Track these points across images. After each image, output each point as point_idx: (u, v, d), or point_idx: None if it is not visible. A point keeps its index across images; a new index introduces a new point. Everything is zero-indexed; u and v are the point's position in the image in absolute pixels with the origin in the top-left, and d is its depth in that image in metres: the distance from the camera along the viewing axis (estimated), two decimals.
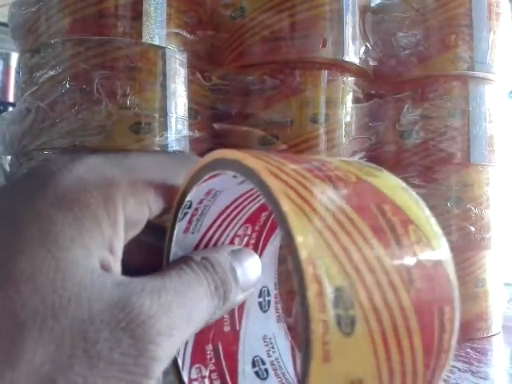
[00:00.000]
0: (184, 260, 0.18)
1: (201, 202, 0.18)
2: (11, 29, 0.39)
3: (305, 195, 0.14)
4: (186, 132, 0.36)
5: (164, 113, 0.35)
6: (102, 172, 0.17)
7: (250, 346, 0.21)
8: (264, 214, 0.20)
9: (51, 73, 0.35)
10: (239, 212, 0.19)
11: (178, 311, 0.16)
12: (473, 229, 0.43)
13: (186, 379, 0.19)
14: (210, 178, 0.17)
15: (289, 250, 0.13)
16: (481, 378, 0.34)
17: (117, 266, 0.16)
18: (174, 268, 0.18)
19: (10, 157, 0.38)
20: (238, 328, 0.21)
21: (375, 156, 0.43)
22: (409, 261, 0.14)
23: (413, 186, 0.43)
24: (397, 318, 0.13)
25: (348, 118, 0.40)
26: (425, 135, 0.43)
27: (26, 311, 0.14)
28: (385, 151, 0.44)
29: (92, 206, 0.16)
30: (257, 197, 0.19)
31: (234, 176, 0.16)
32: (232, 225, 0.20)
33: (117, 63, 0.34)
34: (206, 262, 0.18)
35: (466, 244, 0.43)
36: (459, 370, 0.35)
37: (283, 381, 0.21)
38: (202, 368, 0.19)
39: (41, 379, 0.13)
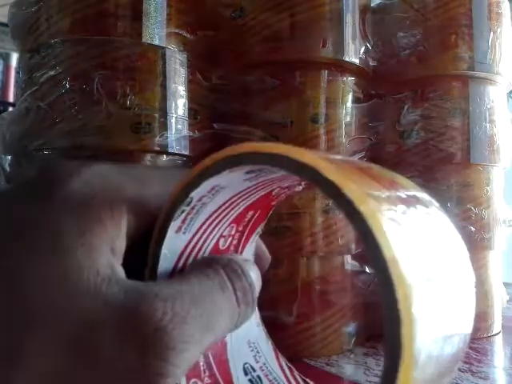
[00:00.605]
0: (207, 262, 0.17)
1: (200, 199, 0.17)
2: (11, 29, 0.39)
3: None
4: (186, 132, 0.36)
5: (164, 113, 0.35)
6: (109, 177, 0.16)
7: (238, 353, 0.20)
8: (250, 213, 0.20)
9: (51, 73, 0.35)
10: (230, 211, 0.19)
11: (195, 322, 0.15)
12: (473, 229, 0.43)
13: None
14: (228, 172, 0.16)
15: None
16: (481, 377, 0.34)
17: (119, 268, 0.16)
18: (193, 271, 0.17)
19: (9, 157, 0.38)
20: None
21: (375, 156, 0.43)
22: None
23: None
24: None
25: (348, 118, 0.40)
26: (425, 135, 0.43)
27: (31, 316, 0.14)
28: (385, 151, 0.44)
29: (97, 208, 0.15)
30: (251, 194, 0.19)
31: (248, 171, 0.16)
32: (220, 224, 0.19)
33: (117, 63, 0.34)
34: (234, 264, 0.17)
35: (466, 244, 0.42)
36: (459, 370, 0.35)
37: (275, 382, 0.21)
38: (199, 382, 0.19)
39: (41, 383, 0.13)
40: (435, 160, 0.43)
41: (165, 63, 0.36)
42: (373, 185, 0.15)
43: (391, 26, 0.44)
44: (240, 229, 0.20)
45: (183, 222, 0.17)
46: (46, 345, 0.13)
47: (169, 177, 0.18)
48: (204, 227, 0.18)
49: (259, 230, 0.21)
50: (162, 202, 0.17)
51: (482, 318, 0.43)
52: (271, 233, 0.37)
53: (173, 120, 0.35)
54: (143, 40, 0.35)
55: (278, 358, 0.22)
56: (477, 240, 0.43)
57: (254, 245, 0.21)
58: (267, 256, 0.22)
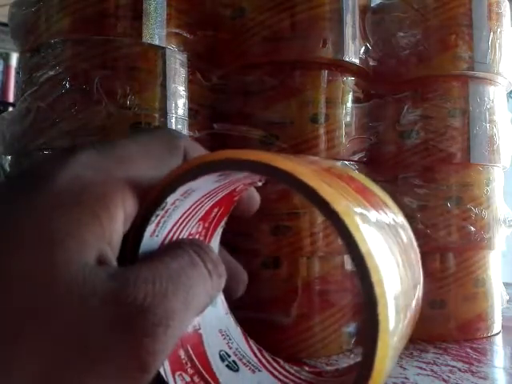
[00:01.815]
0: (174, 245, 0.18)
1: (174, 202, 0.18)
2: (11, 29, 0.39)
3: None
4: (186, 132, 0.36)
5: (164, 113, 0.35)
6: (97, 167, 0.16)
7: (212, 342, 0.21)
8: (215, 210, 0.21)
9: (51, 73, 0.35)
10: (198, 210, 0.19)
11: (175, 298, 0.15)
12: (473, 229, 0.43)
13: None
14: (204, 177, 0.17)
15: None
16: (481, 377, 0.34)
17: (111, 257, 0.16)
18: (166, 253, 0.17)
19: (9, 157, 0.38)
20: (198, 327, 0.21)
21: (375, 156, 0.43)
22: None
23: (413, 186, 0.43)
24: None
25: (348, 118, 0.40)
26: (425, 135, 0.43)
27: (19, 315, 0.13)
28: (385, 151, 0.44)
29: (90, 203, 0.15)
30: (218, 193, 0.19)
31: (220, 174, 0.17)
32: (189, 224, 0.19)
33: (117, 63, 0.34)
34: (198, 242, 0.18)
35: (466, 244, 0.43)
36: (459, 370, 0.35)
37: (252, 368, 0.22)
38: (184, 374, 0.19)
39: None
40: (435, 160, 0.43)
41: (165, 63, 0.36)
42: (344, 187, 0.17)
43: (391, 26, 0.44)
44: (206, 225, 0.21)
45: (157, 225, 0.18)
46: (36, 344, 0.13)
47: (151, 153, 0.18)
48: (174, 229, 0.19)
49: (223, 223, 0.22)
50: (150, 181, 0.17)
51: (482, 317, 0.43)
52: (271, 233, 0.37)
53: (173, 120, 0.35)
54: (143, 40, 0.35)
55: (247, 341, 0.23)
56: (477, 240, 0.43)
57: (218, 238, 0.22)
58: (241, 270, 0.23)
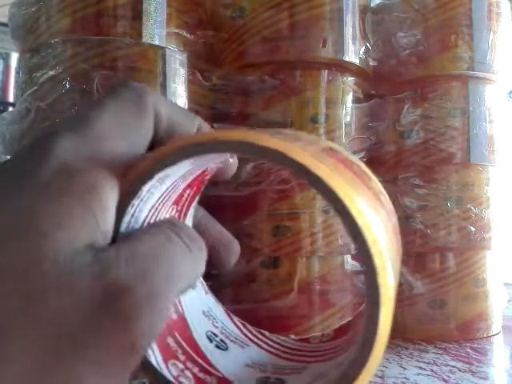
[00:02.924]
0: (149, 226, 0.18)
1: (149, 189, 0.17)
2: (11, 29, 0.39)
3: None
4: None
5: None
6: (80, 151, 0.16)
7: (198, 325, 0.21)
8: (187, 192, 0.20)
9: (51, 73, 0.34)
10: (171, 194, 0.19)
11: (156, 275, 0.15)
12: (473, 229, 0.43)
13: (171, 378, 0.18)
14: (184, 161, 0.16)
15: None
16: (481, 377, 0.34)
17: (102, 242, 0.15)
18: (143, 232, 0.17)
19: (10, 157, 0.38)
20: (181, 312, 0.21)
21: (375, 156, 0.43)
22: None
23: (413, 186, 0.43)
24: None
25: (348, 118, 0.40)
26: (425, 135, 0.43)
27: (4, 311, 0.13)
28: (385, 151, 0.44)
29: (81, 193, 0.15)
30: (190, 175, 0.19)
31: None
32: (163, 209, 0.19)
33: (117, 63, 0.34)
34: (172, 222, 0.18)
35: (466, 244, 0.43)
36: (459, 369, 0.35)
37: (240, 343, 0.22)
38: (177, 362, 0.19)
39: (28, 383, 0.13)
40: (435, 160, 0.43)
41: (165, 63, 0.36)
42: (335, 164, 0.17)
43: (391, 26, 0.44)
44: (179, 208, 0.20)
45: (132, 216, 0.17)
46: (25, 341, 0.13)
47: (122, 120, 0.17)
48: (149, 215, 0.18)
49: (194, 203, 0.22)
50: (132, 155, 0.17)
51: (482, 318, 0.43)
52: (271, 233, 0.37)
53: None
54: (143, 40, 0.35)
55: (231, 318, 0.23)
56: (477, 240, 0.43)
57: (191, 219, 0.22)
58: (230, 238, 0.23)
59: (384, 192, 0.20)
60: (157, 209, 0.18)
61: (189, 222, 0.22)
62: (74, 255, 0.14)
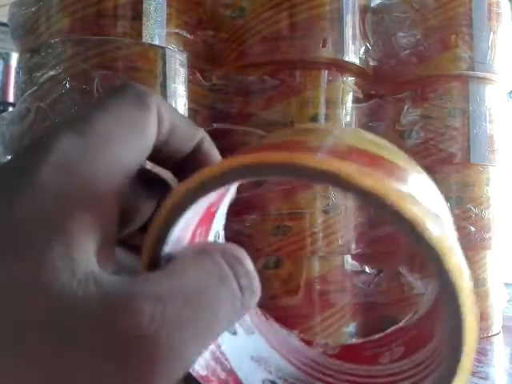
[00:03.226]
0: (201, 249, 0.15)
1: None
2: (11, 29, 0.39)
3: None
4: None
5: None
6: (81, 154, 0.14)
7: (251, 375, 0.20)
8: (212, 210, 0.19)
9: (51, 73, 0.34)
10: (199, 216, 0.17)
11: (190, 325, 0.12)
12: (473, 229, 0.43)
13: (197, 377, 0.17)
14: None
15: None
16: (481, 377, 0.34)
17: (102, 265, 0.13)
18: (186, 261, 0.14)
19: (9, 157, 0.38)
20: (229, 367, 0.19)
21: None
22: None
23: None
24: None
25: (348, 118, 0.40)
26: (425, 135, 0.43)
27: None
28: None
29: (81, 207, 0.13)
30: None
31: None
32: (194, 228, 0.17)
33: (117, 63, 0.34)
34: (231, 251, 0.15)
35: (466, 244, 0.43)
36: None
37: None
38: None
39: None
40: (435, 160, 0.43)
41: (165, 63, 0.36)
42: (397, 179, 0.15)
43: (391, 26, 0.44)
44: (205, 226, 0.19)
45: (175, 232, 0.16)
46: (19, 367, 0.12)
47: (124, 119, 0.16)
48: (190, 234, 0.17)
49: (215, 227, 0.20)
50: (135, 157, 0.16)
51: (482, 318, 0.43)
52: (272, 233, 0.37)
53: None
54: (143, 40, 0.35)
55: (284, 356, 0.21)
56: (477, 240, 0.43)
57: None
58: None
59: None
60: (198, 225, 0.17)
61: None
62: (72, 279, 0.12)
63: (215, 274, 0.14)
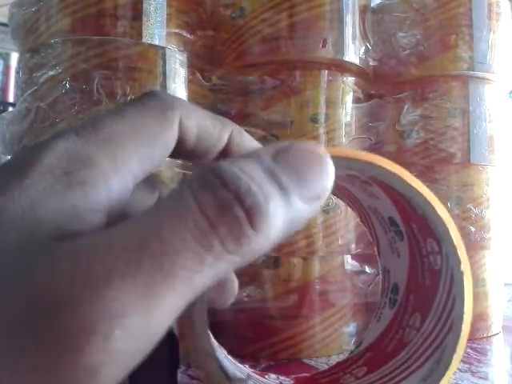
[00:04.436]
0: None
1: None
2: (11, 29, 0.39)
3: None
4: None
5: None
6: (75, 155, 0.14)
7: None
8: None
9: (51, 73, 0.35)
10: None
11: (132, 278, 0.11)
12: (473, 229, 0.43)
13: None
14: None
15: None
16: (481, 378, 0.34)
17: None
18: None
19: (9, 157, 0.38)
20: None
21: None
22: None
23: None
24: None
25: (348, 118, 0.40)
26: (425, 135, 0.43)
27: None
28: (385, 151, 0.44)
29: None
30: None
31: None
32: None
33: (117, 63, 0.34)
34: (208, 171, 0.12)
35: (466, 244, 0.42)
36: (459, 370, 0.35)
37: None
38: None
39: None
40: (435, 160, 0.43)
41: (165, 63, 0.36)
42: None
43: (391, 26, 0.44)
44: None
45: None
46: None
47: (141, 129, 0.16)
48: None
49: None
50: (141, 160, 0.15)
51: (481, 317, 0.43)
52: None
53: None
54: (143, 40, 0.35)
55: None
56: (477, 240, 0.43)
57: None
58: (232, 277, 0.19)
59: None
60: None
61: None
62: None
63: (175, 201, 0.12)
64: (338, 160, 0.14)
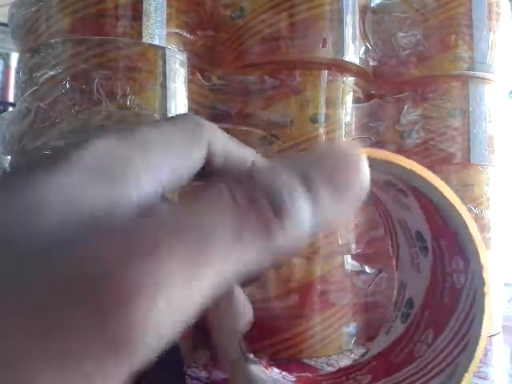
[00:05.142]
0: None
1: None
2: (11, 29, 0.39)
3: None
4: None
5: (164, 113, 0.35)
6: (113, 154, 0.15)
7: None
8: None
9: (51, 73, 0.35)
10: None
11: (174, 250, 0.11)
12: None
13: None
14: None
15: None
16: (481, 378, 0.34)
17: None
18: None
19: (9, 157, 0.38)
20: None
21: None
22: None
23: None
24: None
25: (348, 118, 0.40)
26: (425, 135, 0.43)
27: None
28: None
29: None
30: None
31: None
32: None
33: (117, 63, 0.34)
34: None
35: None
36: None
37: None
38: None
39: None
40: (435, 160, 0.43)
41: (165, 63, 0.36)
42: None
43: (391, 26, 0.44)
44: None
45: None
46: None
47: (173, 142, 0.16)
48: None
49: None
50: (173, 169, 0.16)
51: None
52: None
53: None
54: (143, 40, 0.35)
55: None
56: None
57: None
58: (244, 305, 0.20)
59: None
60: None
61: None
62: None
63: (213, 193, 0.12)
64: (379, 163, 0.15)
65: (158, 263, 0.11)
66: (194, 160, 0.17)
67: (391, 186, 0.19)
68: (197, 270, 0.11)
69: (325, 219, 0.13)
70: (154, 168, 0.15)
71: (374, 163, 0.14)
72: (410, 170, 0.17)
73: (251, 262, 0.12)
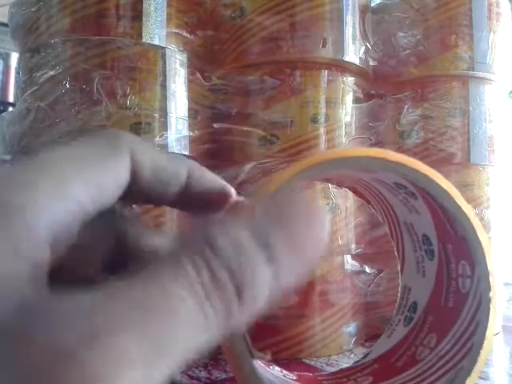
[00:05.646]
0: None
1: None
2: (11, 29, 0.39)
3: None
4: (186, 132, 0.36)
5: (164, 113, 0.35)
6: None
7: None
8: None
9: (51, 73, 0.35)
10: None
11: (138, 347, 0.11)
12: None
13: None
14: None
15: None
16: (481, 378, 0.34)
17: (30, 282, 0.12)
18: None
19: (9, 157, 0.38)
20: None
21: None
22: None
23: None
24: None
25: (348, 118, 0.40)
26: (425, 135, 0.43)
27: None
28: None
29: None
30: None
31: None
32: None
33: (117, 63, 0.34)
34: (206, 244, 0.12)
35: None
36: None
37: None
38: None
39: None
40: (435, 160, 0.43)
41: (165, 63, 0.36)
42: None
43: (391, 26, 0.44)
44: None
45: None
46: None
47: (85, 155, 0.15)
48: None
49: None
50: (98, 199, 0.14)
51: None
52: None
53: (173, 120, 0.35)
54: (143, 40, 0.35)
55: None
56: None
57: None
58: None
59: None
60: None
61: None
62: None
63: (173, 274, 0.12)
64: (394, 165, 0.15)
65: (115, 350, 0.10)
66: (115, 171, 0.15)
67: (401, 188, 0.19)
68: (158, 355, 0.11)
69: (286, 282, 0.13)
70: (62, 185, 0.14)
71: (388, 165, 0.15)
72: (424, 174, 0.17)
73: (215, 337, 0.12)
